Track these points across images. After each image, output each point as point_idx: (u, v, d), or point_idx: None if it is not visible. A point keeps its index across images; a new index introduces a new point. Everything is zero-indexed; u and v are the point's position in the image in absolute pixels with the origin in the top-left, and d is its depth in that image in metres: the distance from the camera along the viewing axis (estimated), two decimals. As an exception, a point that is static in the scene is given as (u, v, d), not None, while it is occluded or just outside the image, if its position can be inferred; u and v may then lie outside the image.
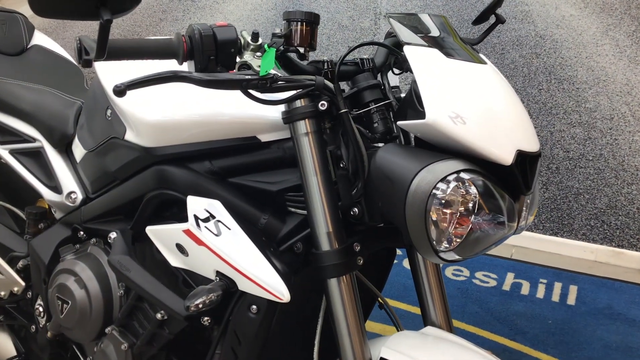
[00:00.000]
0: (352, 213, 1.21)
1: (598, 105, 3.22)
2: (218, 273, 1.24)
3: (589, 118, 3.25)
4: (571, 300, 2.99)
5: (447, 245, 1.10)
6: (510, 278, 3.17)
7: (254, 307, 1.23)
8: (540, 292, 3.05)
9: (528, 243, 3.51)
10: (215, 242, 1.22)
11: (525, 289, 3.08)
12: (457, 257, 1.11)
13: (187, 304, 1.18)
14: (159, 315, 1.38)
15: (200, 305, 1.18)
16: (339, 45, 5.15)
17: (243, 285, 1.22)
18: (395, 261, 3.63)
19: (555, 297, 3.01)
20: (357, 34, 5.36)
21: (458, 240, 1.10)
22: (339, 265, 1.18)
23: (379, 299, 1.49)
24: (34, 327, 1.73)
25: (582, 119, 3.26)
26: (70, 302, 1.51)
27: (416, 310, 2.72)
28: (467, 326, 2.67)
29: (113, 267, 1.39)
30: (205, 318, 1.31)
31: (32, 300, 1.70)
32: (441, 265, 1.28)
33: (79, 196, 1.61)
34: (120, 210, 1.49)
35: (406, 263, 3.31)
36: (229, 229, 1.23)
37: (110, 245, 1.46)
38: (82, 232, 1.60)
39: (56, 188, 1.65)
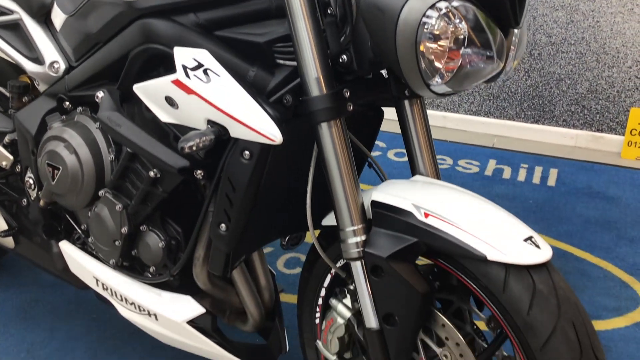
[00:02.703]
0: (340, 60, 1.21)
1: (581, -13, 3.18)
2: (209, 122, 1.25)
3: (571, 0, 3.22)
4: (551, 182, 3.06)
5: (439, 80, 1.11)
6: (492, 164, 3.23)
7: (247, 152, 1.24)
8: (522, 176, 3.12)
9: (509, 132, 3.56)
10: (205, 90, 1.22)
11: (507, 173, 3.14)
12: (448, 89, 1.13)
13: (181, 145, 1.19)
14: (152, 173, 1.39)
15: (194, 147, 1.19)
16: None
17: (235, 131, 1.22)
18: (379, 153, 3.63)
19: (536, 180, 3.08)
20: None
21: (449, 74, 1.11)
22: (330, 109, 1.19)
23: (369, 158, 1.51)
24: (25, 200, 1.73)
25: (564, 2, 3.23)
26: (61, 167, 1.51)
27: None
28: (450, 206, 2.73)
29: (103, 123, 1.39)
30: (199, 171, 1.32)
31: (22, 174, 1.70)
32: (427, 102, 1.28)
33: (62, 65, 1.59)
34: (105, 74, 1.47)
35: (391, 154, 3.36)
36: (218, 75, 1.22)
37: (98, 110, 1.44)
38: (67, 103, 1.58)
39: (38, 59, 1.62)
